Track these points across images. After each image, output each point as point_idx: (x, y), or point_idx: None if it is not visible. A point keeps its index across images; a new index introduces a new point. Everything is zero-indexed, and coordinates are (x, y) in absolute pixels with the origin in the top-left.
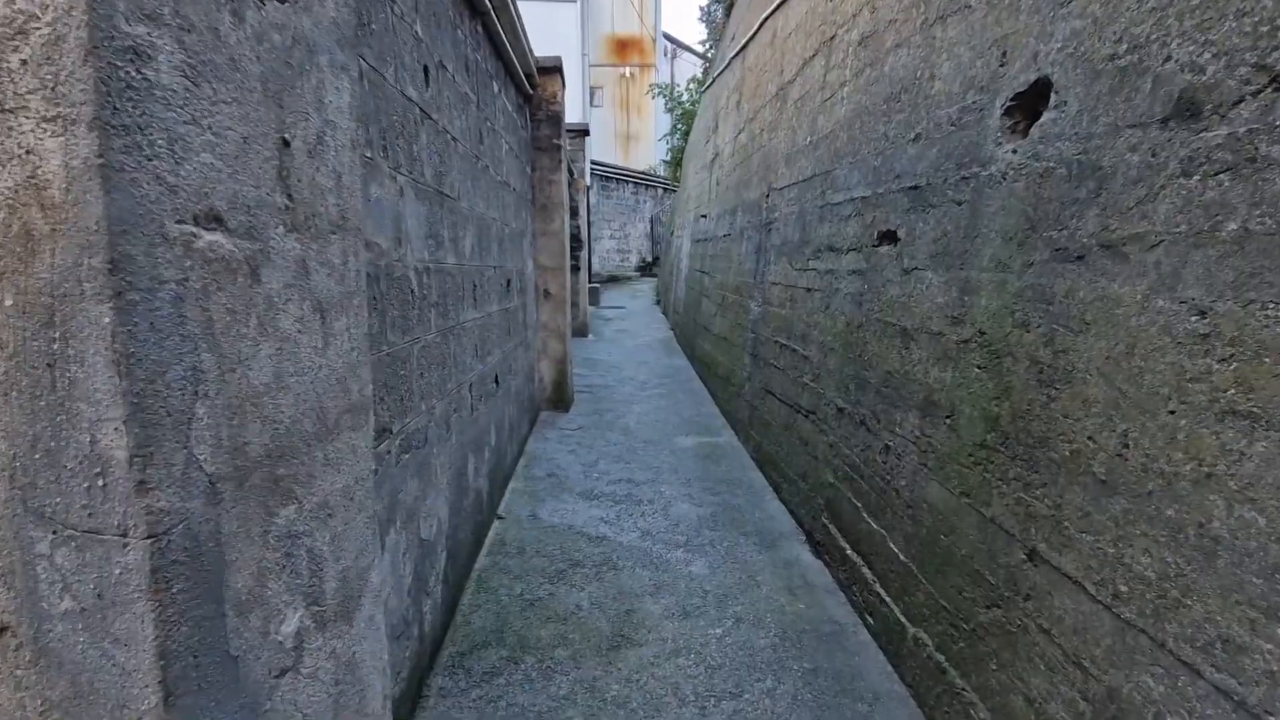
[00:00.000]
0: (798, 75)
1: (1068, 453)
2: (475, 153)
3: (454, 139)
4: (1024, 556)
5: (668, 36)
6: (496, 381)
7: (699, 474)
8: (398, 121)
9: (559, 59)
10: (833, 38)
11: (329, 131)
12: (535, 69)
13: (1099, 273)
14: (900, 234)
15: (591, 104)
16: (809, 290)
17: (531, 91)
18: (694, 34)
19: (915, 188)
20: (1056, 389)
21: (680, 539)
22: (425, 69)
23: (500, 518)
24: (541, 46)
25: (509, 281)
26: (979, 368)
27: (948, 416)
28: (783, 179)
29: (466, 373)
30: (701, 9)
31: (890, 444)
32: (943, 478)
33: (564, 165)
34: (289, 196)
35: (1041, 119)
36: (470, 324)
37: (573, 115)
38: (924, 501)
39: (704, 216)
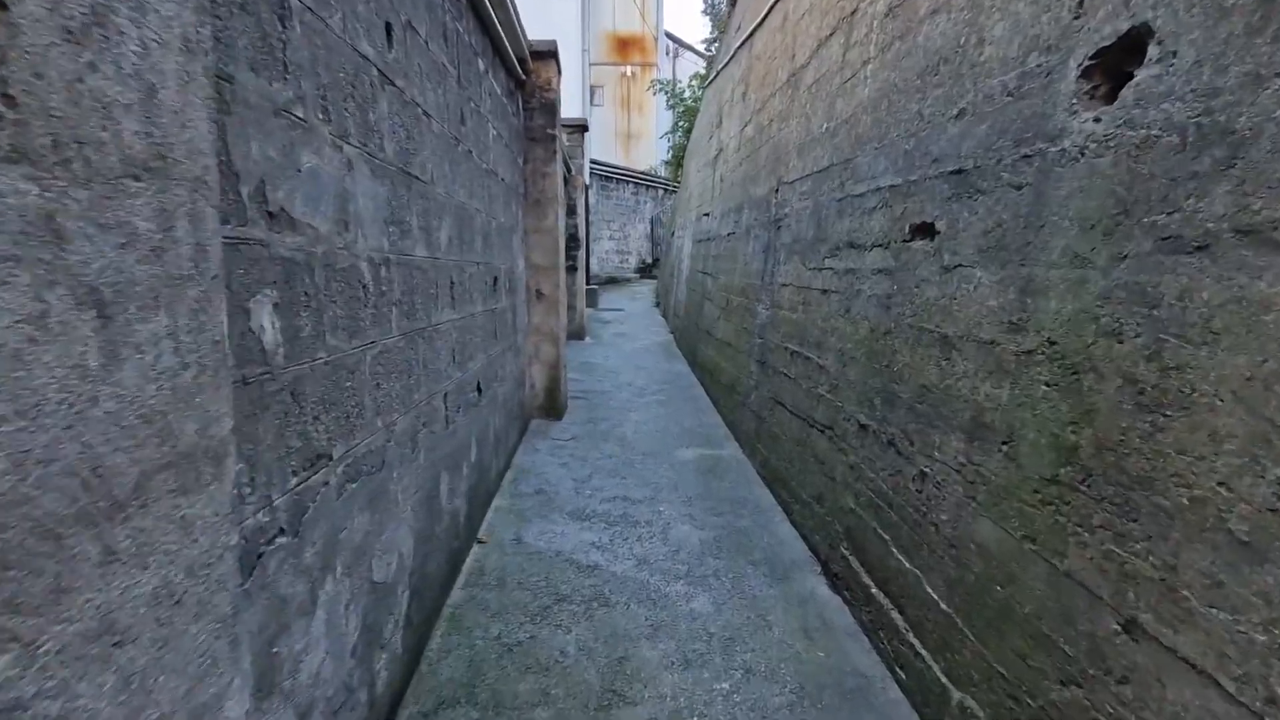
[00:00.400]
0: (812, 58)
1: (1186, 500)
2: (455, 134)
3: (426, 114)
4: (1118, 627)
5: (670, 35)
6: (479, 390)
7: (701, 491)
8: (345, 80)
9: (554, 43)
10: (854, 12)
11: (123, 7)
12: (529, 53)
13: (1234, 266)
14: (939, 226)
15: (592, 102)
16: (825, 292)
17: (525, 78)
18: (696, 33)
19: (959, 172)
20: (1166, 416)
21: (681, 568)
22: (388, 26)
23: (481, 541)
24: (539, 39)
25: (495, 280)
26: (1048, 385)
27: (1004, 442)
28: (794, 171)
29: (441, 381)
30: (705, 2)
31: (927, 470)
32: (998, 515)
33: (559, 157)
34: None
35: (1137, 77)
36: (446, 326)
37: (571, 110)
38: (971, 542)
39: (706, 215)
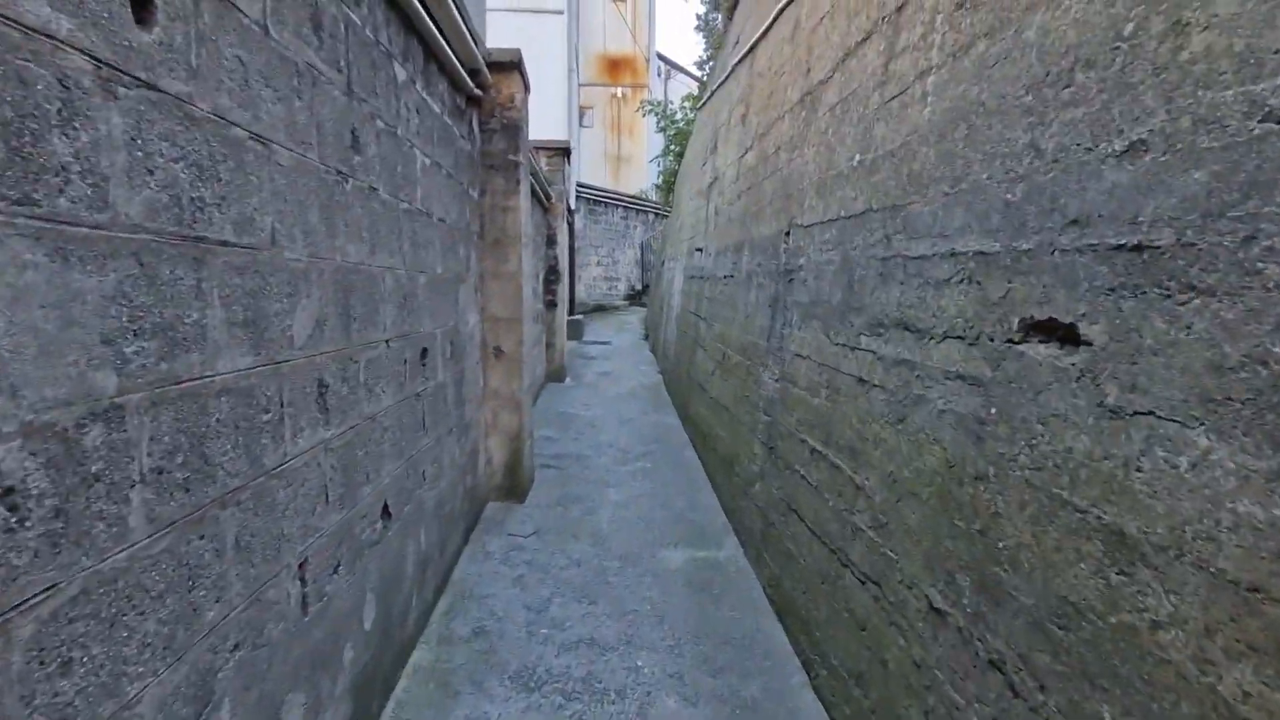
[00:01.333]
0: (836, 71)
1: None
2: (342, 166)
3: (259, 138)
4: None
5: (661, 56)
6: (385, 515)
7: (693, 626)
8: None
9: (517, 52)
10: (900, 8)
11: None
12: (485, 63)
13: None
14: (1088, 334)
15: (581, 124)
16: (862, 382)
17: (479, 93)
18: (689, 53)
19: (1139, 249)
20: None
21: None
22: None
23: None
24: (526, 59)
25: (425, 351)
26: None
27: None
28: (812, 213)
29: (289, 549)
30: (699, 17)
31: None
32: None
33: (523, 189)
34: None
35: None
36: (308, 458)
37: (557, 132)
38: None
39: (700, 250)
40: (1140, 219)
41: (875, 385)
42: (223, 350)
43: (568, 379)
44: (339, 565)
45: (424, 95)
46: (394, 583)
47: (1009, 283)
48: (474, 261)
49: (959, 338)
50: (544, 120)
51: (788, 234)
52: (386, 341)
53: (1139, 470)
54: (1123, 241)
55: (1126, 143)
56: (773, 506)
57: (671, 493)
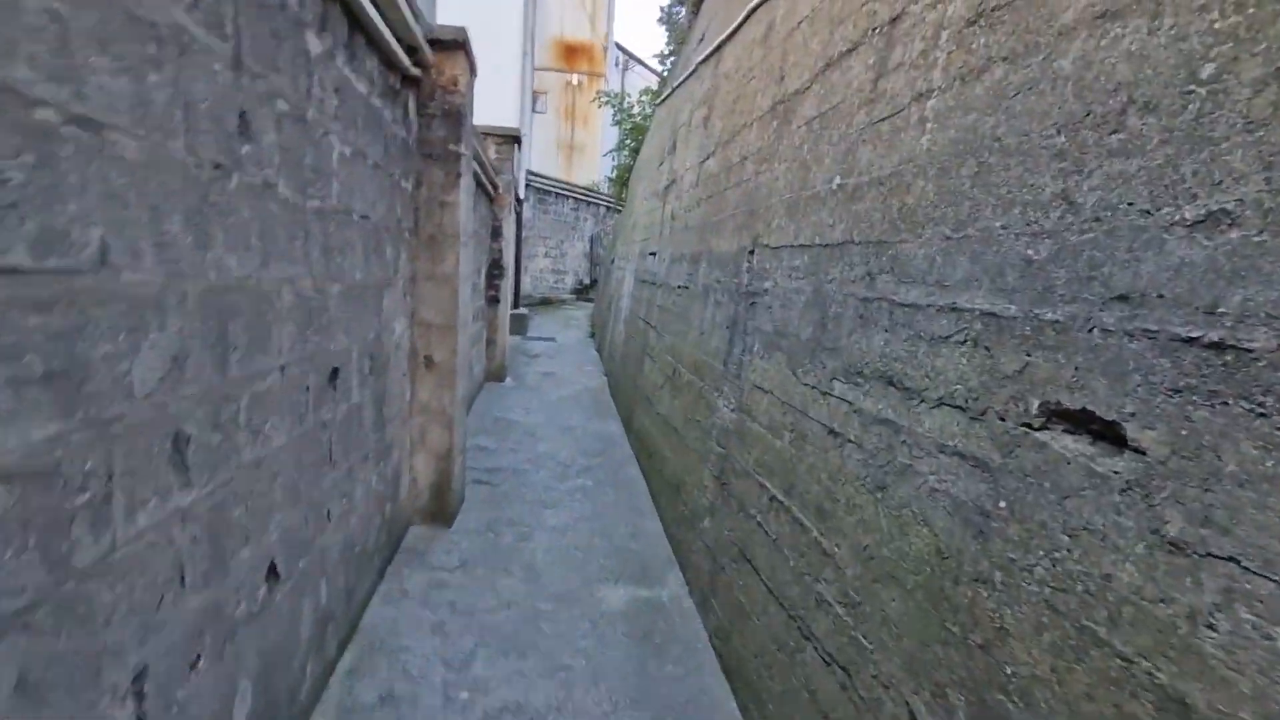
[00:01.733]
0: (814, 82)
1: None
2: (223, 158)
3: (83, 123)
4: None
5: (620, 47)
6: (274, 576)
7: (633, 688)
8: None
9: (463, 30)
10: (895, 19)
11: None
12: (426, 40)
13: None
14: (1139, 439)
15: (534, 109)
16: (834, 434)
17: (419, 73)
18: (649, 47)
19: (1218, 347)
20: None
21: None
22: None
23: None
24: (478, 39)
25: (337, 372)
26: None
27: None
28: (781, 234)
29: (121, 662)
30: (662, 9)
31: None
32: None
33: (463, 183)
34: None
35: None
36: (151, 537)
37: (507, 116)
38: None
39: (652, 255)
40: (1222, 310)
41: (850, 441)
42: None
43: (509, 379)
44: (199, 658)
45: (346, 72)
46: (281, 657)
47: (1027, 355)
48: (404, 262)
49: (958, 407)
50: (495, 104)
51: (751, 252)
52: (281, 369)
53: (1211, 629)
54: (1195, 335)
55: (1203, 211)
56: (723, 549)
57: (613, 517)
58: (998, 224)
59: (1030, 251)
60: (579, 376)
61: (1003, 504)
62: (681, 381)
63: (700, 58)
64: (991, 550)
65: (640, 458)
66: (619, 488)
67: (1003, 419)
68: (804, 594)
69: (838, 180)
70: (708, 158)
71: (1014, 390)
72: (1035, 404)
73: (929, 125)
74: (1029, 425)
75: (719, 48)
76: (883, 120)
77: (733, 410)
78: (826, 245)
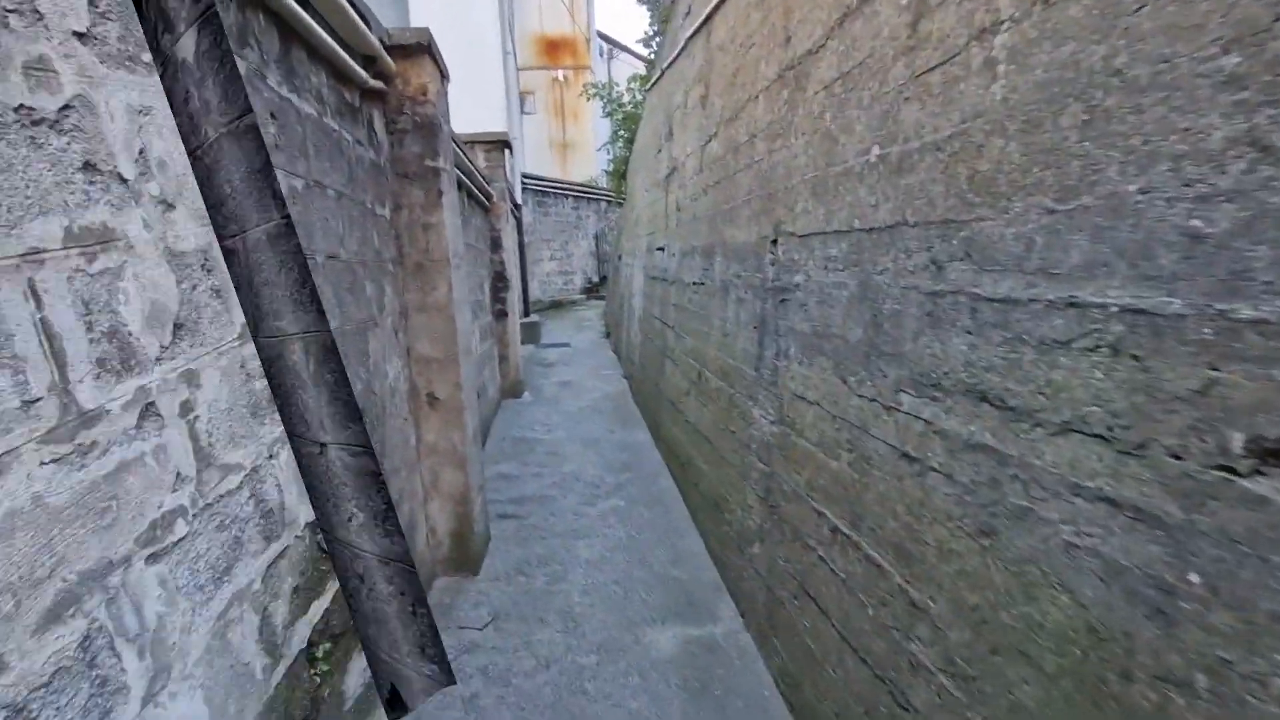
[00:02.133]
0: (829, 38)
1: None
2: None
3: None
4: None
5: (603, 36)
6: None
7: None
8: None
9: (426, 32)
10: None
11: None
12: (384, 46)
13: None
14: None
15: (523, 111)
16: (910, 459)
17: (381, 85)
18: (632, 32)
19: None
20: None
21: None
22: None
23: None
24: (456, 44)
25: None
26: None
27: None
28: (809, 219)
29: None
30: None
31: None
32: None
33: (447, 200)
34: None
35: None
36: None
37: (496, 121)
38: None
39: (660, 249)
40: None
41: (934, 469)
42: None
43: (526, 394)
44: None
45: (284, 93)
46: None
47: (1213, 370)
48: (389, 297)
49: (1097, 437)
50: (481, 109)
51: (775, 242)
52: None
53: None
54: None
55: None
56: (779, 580)
57: (650, 541)
58: (1133, 187)
59: (1196, 222)
60: (597, 382)
61: (1195, 577)
62: (709, 388)
63: (689, 33)
64: (1184, 641)
65: (672, 468)
66: (652, 505)
67: (1178, 457)
68: (892, 651)
69: (876, 151)
70: (710, 140)
71: (1192, 418)
72: (1237, 439)
73: (1001, 69)
74: (1230, 469)
75: (709, 18)
76: (930, 70)
77: (772, 422)
78: (870, 230)
